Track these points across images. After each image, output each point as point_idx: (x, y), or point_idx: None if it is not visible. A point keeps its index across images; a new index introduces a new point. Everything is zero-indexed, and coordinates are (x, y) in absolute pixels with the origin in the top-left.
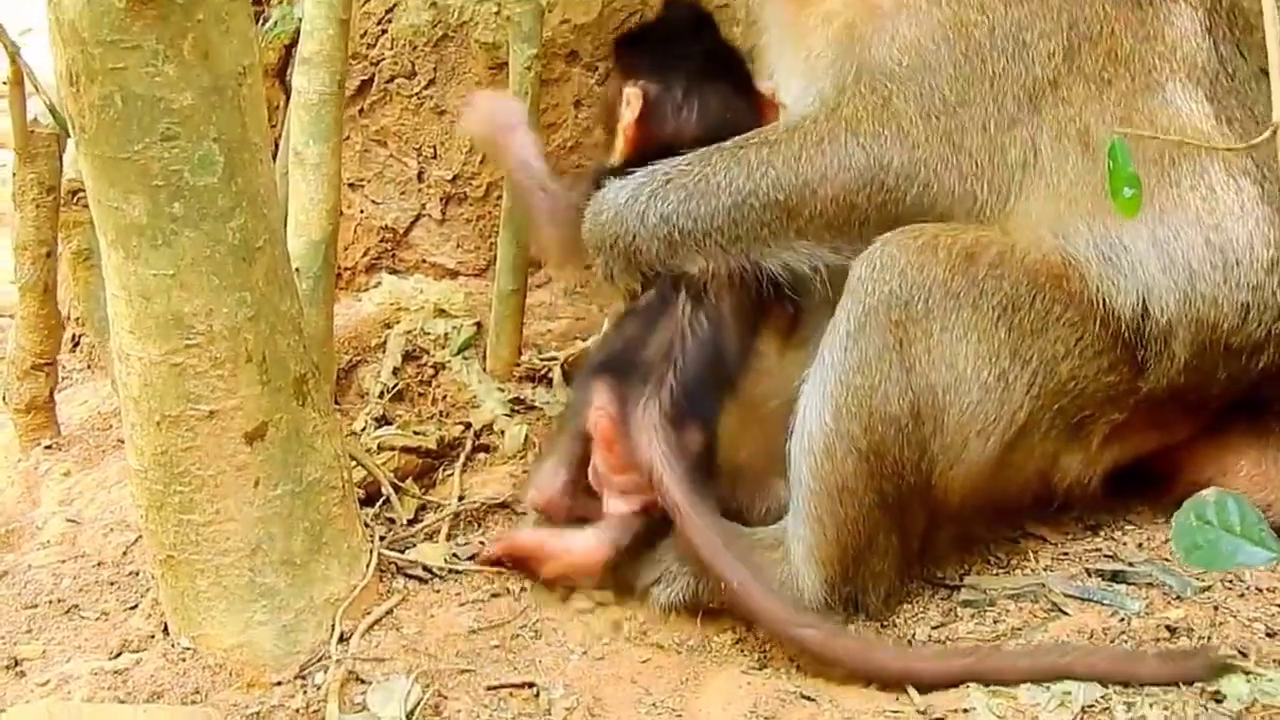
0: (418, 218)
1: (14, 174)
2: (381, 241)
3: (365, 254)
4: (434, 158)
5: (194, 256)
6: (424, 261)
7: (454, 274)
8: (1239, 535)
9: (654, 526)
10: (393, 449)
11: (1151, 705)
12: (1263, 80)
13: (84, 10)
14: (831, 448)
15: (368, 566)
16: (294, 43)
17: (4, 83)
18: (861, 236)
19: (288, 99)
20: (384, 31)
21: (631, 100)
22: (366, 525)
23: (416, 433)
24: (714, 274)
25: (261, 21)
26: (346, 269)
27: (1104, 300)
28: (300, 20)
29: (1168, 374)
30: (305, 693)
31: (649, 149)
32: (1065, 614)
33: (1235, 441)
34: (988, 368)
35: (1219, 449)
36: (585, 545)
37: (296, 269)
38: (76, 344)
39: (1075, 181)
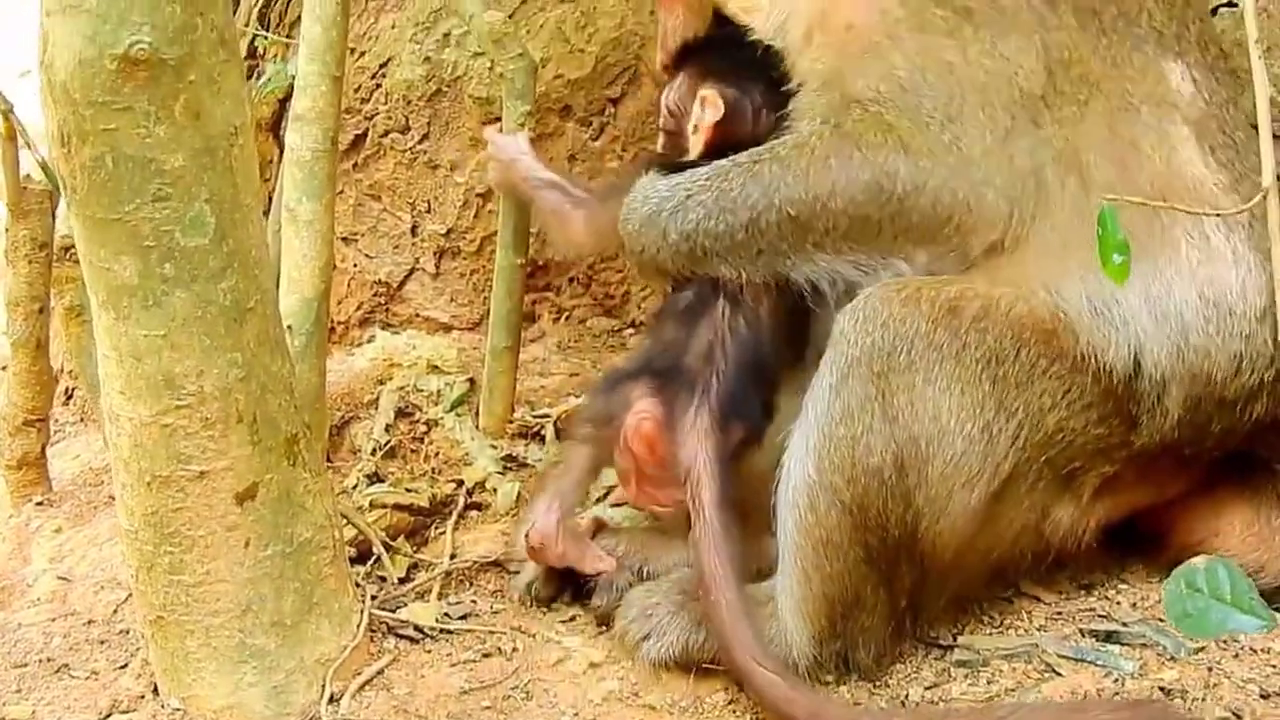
0: (411, 272)
1: (6, 230)
2: (375, 295)
3: (359, 308)
4: (428, 212)
5: (185, 317)
6: (418, 315)
7: (448, 328)
8: (1229, 604)
9: None
10: (385, 506)
11: None
12: (1240, 105)
13: (75, 72)
14: (815, 500)
15: (358, 626)
16: (288, 96)
17: None
18: (880, 250)
19: (281, 153)
20: (378, 86)
21: (711, 102)
22: (357, 584)
23: (409, 490)
24: (746, 280)
25: (255, 76)
26: (340, 323)
27: (1096, 355)
28: (293, 76)
29: (1160, 429)
30: None
31: (725, 151)
32: (1059, 674)
33: (1228, 501)
34: (971, 420)
35: (1212, 508)
36: None
37: (289, 326)
38: (69, 397)
39: (1070, 220)
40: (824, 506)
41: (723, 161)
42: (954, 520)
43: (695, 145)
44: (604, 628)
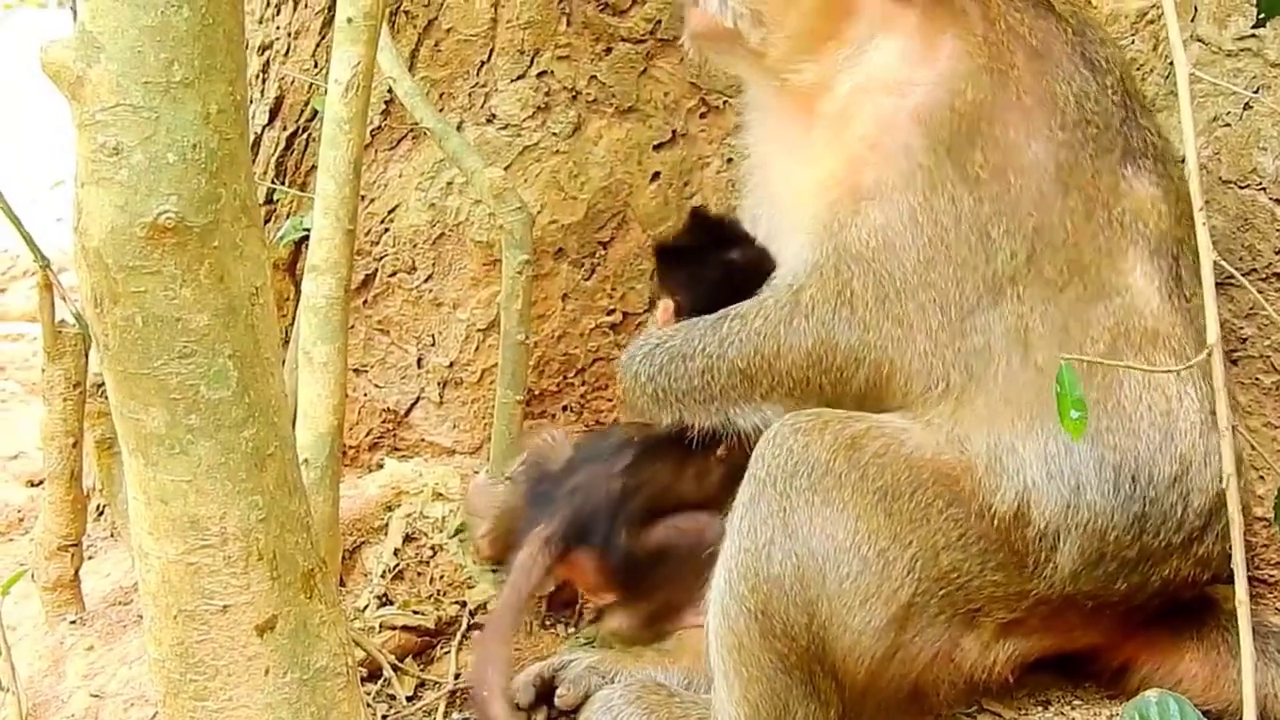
0: (417, 400)
1: (43, 370)
2: (384, 423)
3: (369, 434)
4: (432, 345)
5: (209, 464)
6: (423, 441)
7: (451, 452)
8: None
9: None
10: (393, 628)
11: None
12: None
13: (108, 239)
14: (727, 608)
15: None
16: (305, 237)
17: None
18: (820, 404)
19: (297, 291)
20: (386, 230)
21: (664, 311)
22: (368, 705)
23: (415, 612)
24: (694, 428)
25: (271, 220)
26: (352, 447)
27: (985, 499)
28: (308, 229)
29: (1055, 581)
30: None
31: None
32: None
33: (1175, 641)
34: (867, 544)
35: (1159, 648)
36: None
37: (305, 459)
38: (101, 513)
39: (1003, 381)
40: (734, 613)
41: (696, 319)
42: (859, 638)
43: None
44: None
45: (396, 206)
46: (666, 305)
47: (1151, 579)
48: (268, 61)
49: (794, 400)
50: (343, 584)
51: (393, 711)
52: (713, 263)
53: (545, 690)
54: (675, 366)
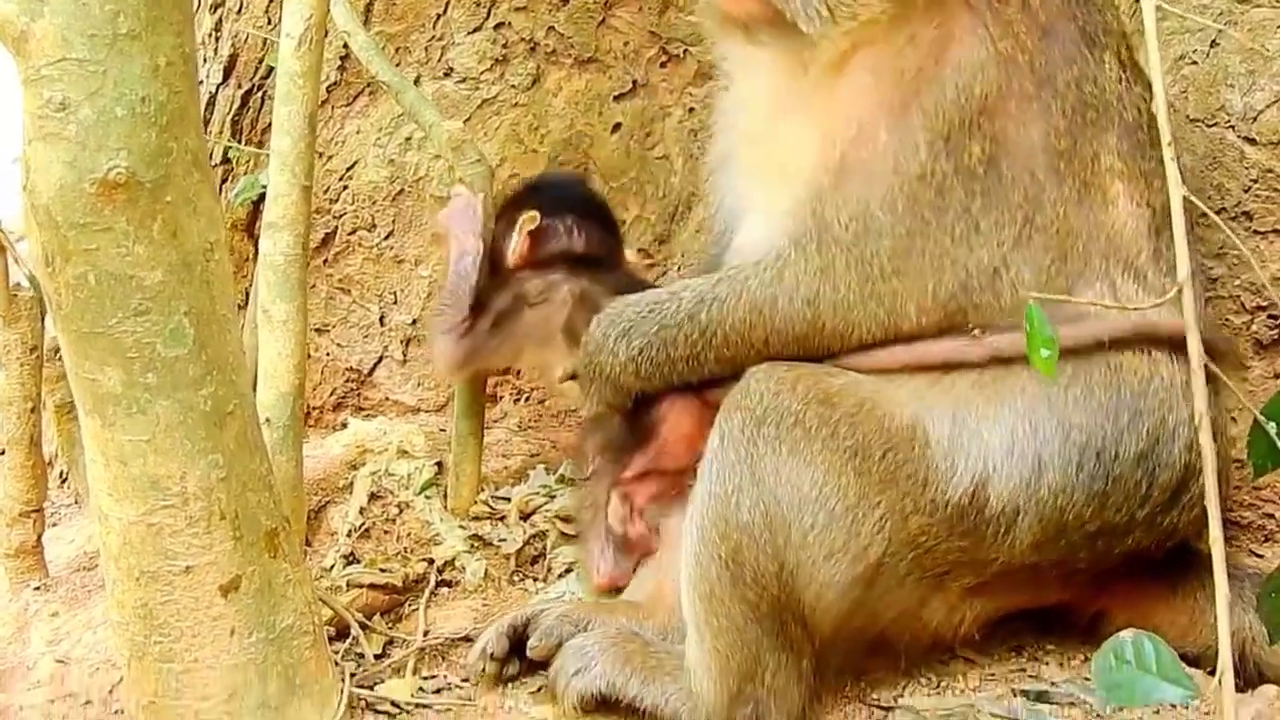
0: (380, 359)
1: None
2: (347, 382)
3: (332, 393)
4: (395, 303)
5: (167, 423)
6: (387, 400)
7: (415, 410)
8: (1156, 674)
9: None
10: (360, 586)
11: None
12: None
13: (57, 195)
14: (699, 554)
15: (339, 705)
16: (263, 198)
17: None
18: None
19: (257, 252)
20: (345, 187)
21: (525, 223)
22: (336, 664)
23: (382, 570)
24: None
25: (229, 181)
26: (315, 408)
27: (944, 477)
28: (264, 186)
29: (1015, 553)
30: None
31: (541, 259)
32: None
33: (1148, 586)
34: (834, 499)
35: (1132, 593)
36: None
37: (266, 419)
38: (64, 480)
39: (977, 370)
40: (705, 560)
41: (663, 293)
42: (827, 589)
43: (512, 256)
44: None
45: (355, 163)
46: (530, 217)
47: (1114, 548)
48: (221, 19)
49: None
50: (309, 544)
51: (361, 670)
52: (571, 192)
53: (517, 641)
54: (657, 352)
